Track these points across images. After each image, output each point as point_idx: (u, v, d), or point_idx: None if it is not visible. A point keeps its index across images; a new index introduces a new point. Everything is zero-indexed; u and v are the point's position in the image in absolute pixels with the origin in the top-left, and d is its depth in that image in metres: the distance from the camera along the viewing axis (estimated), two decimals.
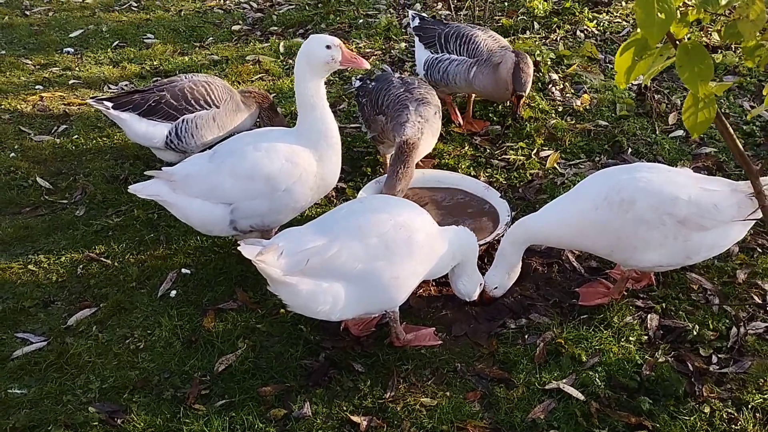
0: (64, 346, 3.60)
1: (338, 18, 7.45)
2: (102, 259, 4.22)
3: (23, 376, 3.48)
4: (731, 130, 1.76)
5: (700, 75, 1.50)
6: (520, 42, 6.36)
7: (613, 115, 5.35)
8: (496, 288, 3.69)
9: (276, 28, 7.48)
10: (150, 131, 4.67)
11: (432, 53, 5.15)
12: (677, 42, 1.53)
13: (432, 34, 5.20)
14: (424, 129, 4.37)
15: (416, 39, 5.35)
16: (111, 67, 6.74)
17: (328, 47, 3.67)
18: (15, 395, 3.35)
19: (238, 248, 3.08)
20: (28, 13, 8.07)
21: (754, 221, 3.47)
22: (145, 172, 3.93)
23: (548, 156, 4.96)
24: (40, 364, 3.52)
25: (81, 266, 4.17)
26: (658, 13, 1.40)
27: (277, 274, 3.11)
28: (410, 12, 5.64)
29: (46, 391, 3.37)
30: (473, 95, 5.37)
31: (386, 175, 4.21)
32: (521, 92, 4.83)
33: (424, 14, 5.68)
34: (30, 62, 6.85)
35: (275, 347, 3.57)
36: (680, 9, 1.56)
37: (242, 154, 3.79)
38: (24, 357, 3.57)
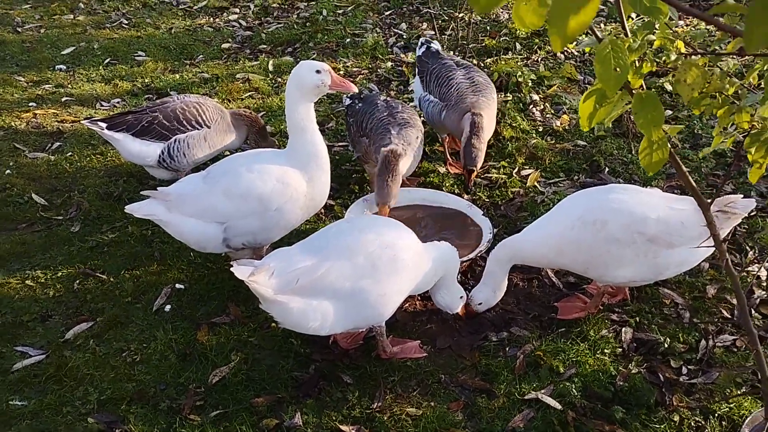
0: (62, 359, 3.72)
1: (326, 37, 7.63)
2: (98, 274, 4.35)
3: (23, 388, 3.59)
4: (683, 168, 1.95)
5: (653, 121, 1.69)
6: (503, 63, 6.58)
7: (591, 135, 5.57)
8: (480, 304, 3.86)
9: (265, 46, 7.65)
10: (143, 151, 4.81)
11: (423, 90, 5.17)
12: (633, 91, 1.73)
13: (424, 69, 5.20)
14: (407, 151, 4.54)
15: (416, 69, 5.37)
16: (103, 84, 6.87)
17: (317, 72, 3.84)
18: (16, 407, 3.47)
19: (231, 269, 3.23)
20: (19, 29, 8.18)
21: (723, 236, 3.71)
22: (141, 192, 4.07)
23: (529, 175, 5.16)
24: (40, 377, 3.64)
25: (77, 281, 4.29)
26: (615, 68, 1.60)
27: (268, 294, 3.26)
28: (421, 39, 5.62)
29: (46, 402, 3.49)
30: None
31: (375, 189, 4.36)
32: (471, 167, 4.65)
33: (435, 43, 5.49)
34: (23, 79, 6.96)
35: (267, 360, 3.71)
36: (636, 61, 1.76)
37: (235, 175, 3.94)
38: (24, 370, 3.69)
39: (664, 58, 1.74)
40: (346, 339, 3.80)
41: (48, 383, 3.61)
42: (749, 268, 4.12)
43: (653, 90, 5.47)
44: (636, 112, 1.79)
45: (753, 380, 3.47)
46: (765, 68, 1.66)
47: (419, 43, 5.49)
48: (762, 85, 1.95)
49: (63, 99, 6.56)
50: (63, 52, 7.55)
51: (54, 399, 3.51)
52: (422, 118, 5.18)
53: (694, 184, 1.98)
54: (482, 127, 4.67)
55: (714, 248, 2.36)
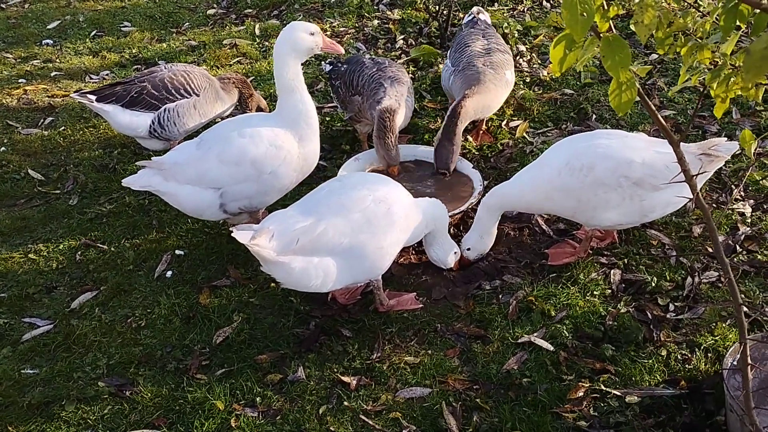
0: (70, 328, 3.84)
1: None
2: (99, 245, 4.44)
3: (34, 357, 3.72)
4: (653, 107, 2.01)
5: (620, 63, 1.75)
6: (489, 14, 6.55)
7: (578, 83, 5.60)
8: (468, 249, 3.97)
9: (250, 10, 7.62)
10: (134, 121, 4.85)
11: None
12: (600, 35, 1.79)
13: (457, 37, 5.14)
14: (401, 103, 4.60)
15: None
16: (91, 57, 6.87)
17: (311, 34, 3.90)
18: (28, 375, 3.60)
19: (232, 234, 3.31)
20: (4, 6, 8.13)
21: (707, 178, 3.80)
22: (135, 163, 4.14)
23: (517, 126, 5.20)
24: (49, 346, 3.76)
25: (79, 253, 4.39)
26: (582, 14, 1.65)
27: (270, 255, 3.35)
28: (475, 8, 5.46)
29: (57, 369, 3.61)
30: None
31: (380, 151, 4.43)
32: (443, 171, 4.45)
33: (483, 14, 5.35)
34: (11, 56, 6.96)
35: (268, 318, 3.83)
36: (602, 6, 1.81)
37: (228, 141, 4.01)
38: (33, 340, 3.81)
39: (626, 3, 1.80)
40: (344, 295, 3.91)
41: (57, 351, 3.73)
42: (734, 206, 4.21)
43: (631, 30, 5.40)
44: (604, 54, 1.84)
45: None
46: (721, 5, 1.72)
47: (472, 11, 5.40)
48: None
49: (52, 74, 6.57)
50: (49, 27, 7.52)
51: (64, 366, 3.63)
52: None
53: (663, 122, 2.05)
54: (460, 121, 4.44)
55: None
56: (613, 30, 1.96)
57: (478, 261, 4.06)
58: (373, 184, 3.69)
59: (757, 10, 1.55)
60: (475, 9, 5.46)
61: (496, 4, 6.96)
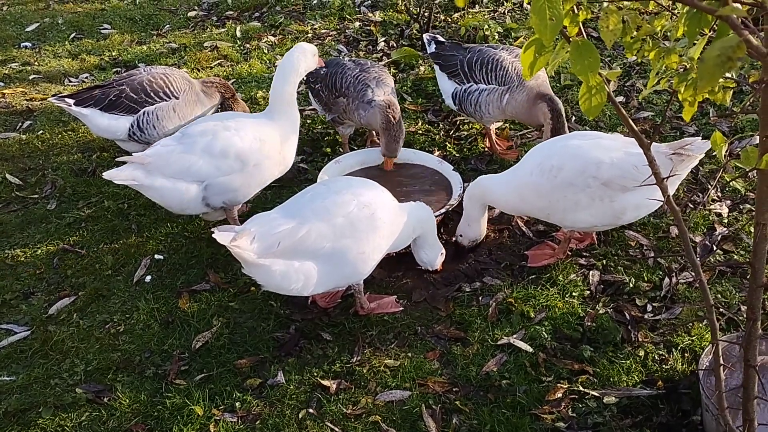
0: (47, 334, 3.80)
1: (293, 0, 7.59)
2: (77, 249, 4.41)
3: (10, 364, 3.68)
4: (623, 110, 2.03)
5: (589, 67, 1.76)
6: (470, 17, 6.59)
7: (557, 85, 5.63)
8: (461, 236, 4.07)
9: (232, 12, 7.60)
10: (113, 125, 4.82)
11: (457, 83, 4.82)
12: (570, 39, 1.80)
13: (453, 62, 4.84)
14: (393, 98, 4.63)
15: (436, 68, 5.01)
16: (70, 60, 6.82)
17: (314, 55, 4.22)
18: (4, 382, 3.56)
19: (213, 236, 3.29)
20: None
21: (682, 178, 3.82)
22: (116, 159, 4.12)
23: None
24: (26, 352, 3.72)
25: (57, 258, 4.35)
26: (551, 18, 1.66)
27: (251, 258, 3.33)
28: (425, 36, 5.28)
29: (34, 376, 3.57)
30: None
31: (383, 143, 4.50)
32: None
33: (439, 37, 5.20)
34: None
35: (248, 323, 3.81)
36: (572, 9, 1.82)
37: (214, 134, 4.06)
38: (9, 346, 3.76)
39: (594, 7, 1.81)
40: (324, 298, 3.91)
41: (35, 358, 3.69)
42: (711, 206, 4.25)
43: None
44: (573, 59, 1.85)
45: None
46: (686, 10, 1.73)
47: (427, 40, 5.17)
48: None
49: (30, 77, 6.52)
50: (27, 29, 7.46)
51: (41, 372, 3.59)
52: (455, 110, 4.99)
53: (633, 124, 2.07)
54: (563, 113, 4.45)
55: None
56: (584, 34, 1.97)
57: (472, 248, 4.13)
58: (358, 188, 3.68)
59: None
60: (427, 36, 5.22)
61: (476, 6, 6.98)
